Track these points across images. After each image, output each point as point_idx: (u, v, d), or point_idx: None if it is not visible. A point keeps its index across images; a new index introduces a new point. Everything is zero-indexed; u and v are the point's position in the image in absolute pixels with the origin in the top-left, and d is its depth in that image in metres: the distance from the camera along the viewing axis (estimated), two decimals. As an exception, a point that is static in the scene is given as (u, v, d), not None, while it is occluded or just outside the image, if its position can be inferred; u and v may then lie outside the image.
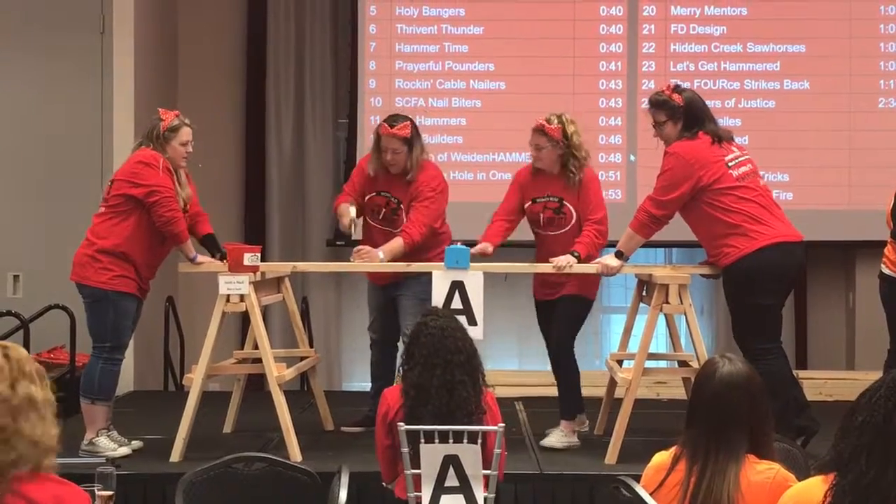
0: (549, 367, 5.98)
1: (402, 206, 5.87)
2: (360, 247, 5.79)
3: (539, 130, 5.67)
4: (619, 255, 5.56)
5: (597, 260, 5.65)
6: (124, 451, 5.50)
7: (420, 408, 4.21)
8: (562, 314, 5.78)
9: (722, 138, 5.53)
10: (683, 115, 5.49)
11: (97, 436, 5.49)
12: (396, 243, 5.73)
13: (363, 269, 5.87)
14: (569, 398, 5.80)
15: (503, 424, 4.19)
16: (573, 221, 5.73)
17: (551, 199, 5.74)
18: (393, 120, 5.88)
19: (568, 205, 5.72)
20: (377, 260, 5.68)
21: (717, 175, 5.41)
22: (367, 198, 5.96)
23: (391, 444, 4.31)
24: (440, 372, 4.21)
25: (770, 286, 5.43)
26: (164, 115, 5.61)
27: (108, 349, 5.50)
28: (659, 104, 5.55)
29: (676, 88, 5.56)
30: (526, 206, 5.83)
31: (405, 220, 5.85)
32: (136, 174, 5.50)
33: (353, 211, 5.89)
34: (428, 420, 4.17)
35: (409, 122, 5.86)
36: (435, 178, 5.90)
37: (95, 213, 5.67)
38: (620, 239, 5.61)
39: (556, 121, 5.67)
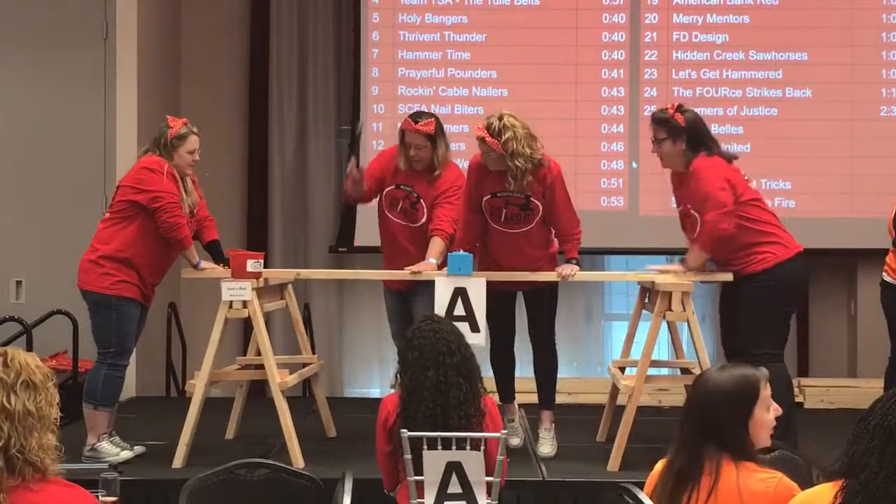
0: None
1: (422, 201, 5.84)
2: (411, 266, 5.63)
3: (479, 140, 5.49)
4: (684, 262, 5.59)
5: (666, 267, 5.60)
6: (127, 454, 5.51)
7: (414, 410, 4.20)
8: (545, 305, 5.77)
9: (730, 159, 5.62)
10: (686, 135, 5.51)
11: (99, 441, 5.50)
12: (438, 244, 5.69)
13: (366, 276, 5.88)
14: (553, 386, 5.84)
15: (505, 431, 4.19)
16: (538, 217, 5.59)
17: (516, 195, 5.55)
18: (417, 116, 5.87)
19: (535, 201, 5.56)
20: (433, 267, 5.61)
21: (743, 187, 5.52)
22: (386, 190, 5.93)
23: (391, 450, 4.31)
24: (432, 373, 4.20)
25: (798, 294, 5.70)
26: (172, 123, 5.63)
27: (113, 355, 5.51)
28: (660, 121, 5.57)
29: (679, 108, 5.58)
30: (485, 199, 5.61)
31: (425, 215, 5.82)
32: (140, 180, 5.52)
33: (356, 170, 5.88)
34: (422, 422, 4.15)
35: (433, 120, 5.83)
36: (459, 176, 5.87)
37: (101, 219, 5.68)
38: (689, 253, 5.54)
39: (496, 126, 5.43)
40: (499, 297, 5.64)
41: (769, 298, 5.51)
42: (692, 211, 5.54)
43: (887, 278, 5.96)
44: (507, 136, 5.39)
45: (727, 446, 3.08)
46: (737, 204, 5.45)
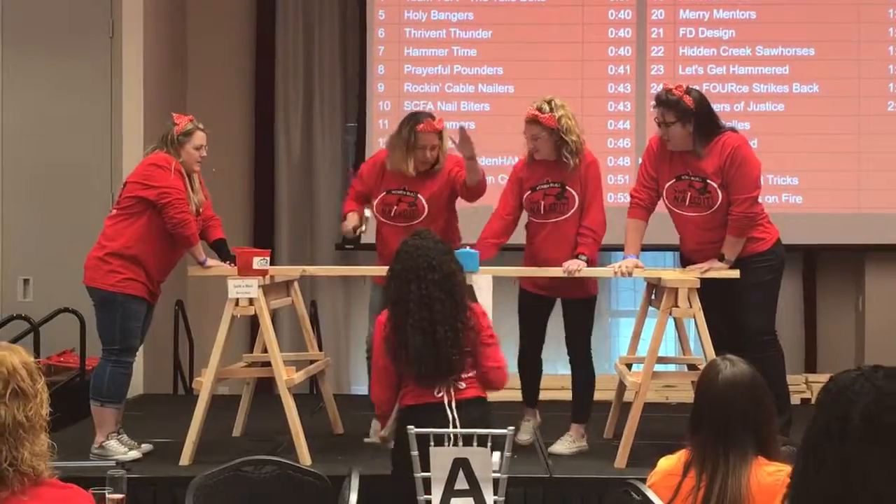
0: (559, 371, 5.99)
1: (420, 196, 5.82)
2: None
3: (533, 120, 5.61)
4: (721, 258, 5.56)
5: (710, 264, 5.54)
6: (134, 454, 5.51)
7: (402, 320, 4.48)
8: (575, 322, 5.78)
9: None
10: (695, 117, 5.49)
11: (107, 439, 5.51)
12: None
13: (373, 272, 5.86)
14: (583, 403, 5.80)
15: (513, 428, 4.19)
16: (575, 207, 5.66)
17: (552, 185, 5.66)
18: (424, 115, 5.87)
19: (570, 189, 5.65)
20: None
21: None
22: (377, 199, 5.92)
23: (387, 364, 4.56)
24: (415, 287, 4.48)
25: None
26: (177, 120, 5.65)
27: (118, 352, 5.52)
28: (669, 104, 5.51)
29: (687, 90, 5.54)
30: (525, 195, 5.73)
31: (426, 209, 5.81)
32: (148, 176, 5.54)
33: (355, 218, 5.88)
34: (412, 332, 4.44)
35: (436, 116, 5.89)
36: (459, 160, 5.83)
37: (108, 215, 5.69)
38: (724, 247, 5.52)
39: (547, 108, 5.59)
40: (535, 301, 5.77)
41: (774, 277, 5.64)
42: (714, 185, 5.49)
43: None
44: (560, 113, 5.58)
45: (746, 440, 3.08)
46: None
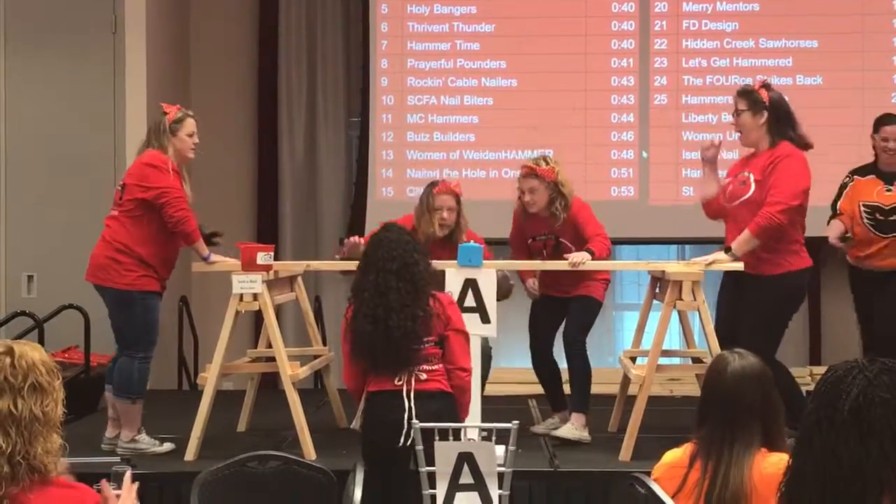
0: (561, 365, 6.01)
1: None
2: None
3: (531, 174, 5.77)
4: (727, 250, 5.54)
5: (715, 256, 5.58)
6: (169, 445, 5.61)
7: (357, 309, 4.58)
8: (574, 312, 5.87)
9: (807, 147, 5.63)
10: (767, 111, 5.54)
11: (139, 433, 5.59)
12: None
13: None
14: (581, 392, 5.82)
15: (517, 422, 4.19)
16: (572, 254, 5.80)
17: (548, 237, 5.88)
18: (441, 181, 5.97)
19: (565, 242, 5.84)
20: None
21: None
22: None
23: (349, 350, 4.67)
24: (373, 277, 4.54)
25: (799, 304, 5.75)
26: (167, 109, 5.69)
27: (143, 348, 5.56)
28: (743, 94, 5.63)
29: (764, 85, 5.65)
30: (528, 242, 5.97)
31: None
32: (145, 177, 5.54)
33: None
34: (361, 321, 4.51)
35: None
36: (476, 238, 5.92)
37: (108, 216, 5.69)
38: (737, 239, 5.48)
39: (543, 163, 5.80)
40: (547, 300, 5.93)
41: (779, 304, 5.56)
42: (752, 178, 5.51)
43: None
44: (558, 168, 5.80)
45: (753, 433, 3.08)
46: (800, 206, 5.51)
